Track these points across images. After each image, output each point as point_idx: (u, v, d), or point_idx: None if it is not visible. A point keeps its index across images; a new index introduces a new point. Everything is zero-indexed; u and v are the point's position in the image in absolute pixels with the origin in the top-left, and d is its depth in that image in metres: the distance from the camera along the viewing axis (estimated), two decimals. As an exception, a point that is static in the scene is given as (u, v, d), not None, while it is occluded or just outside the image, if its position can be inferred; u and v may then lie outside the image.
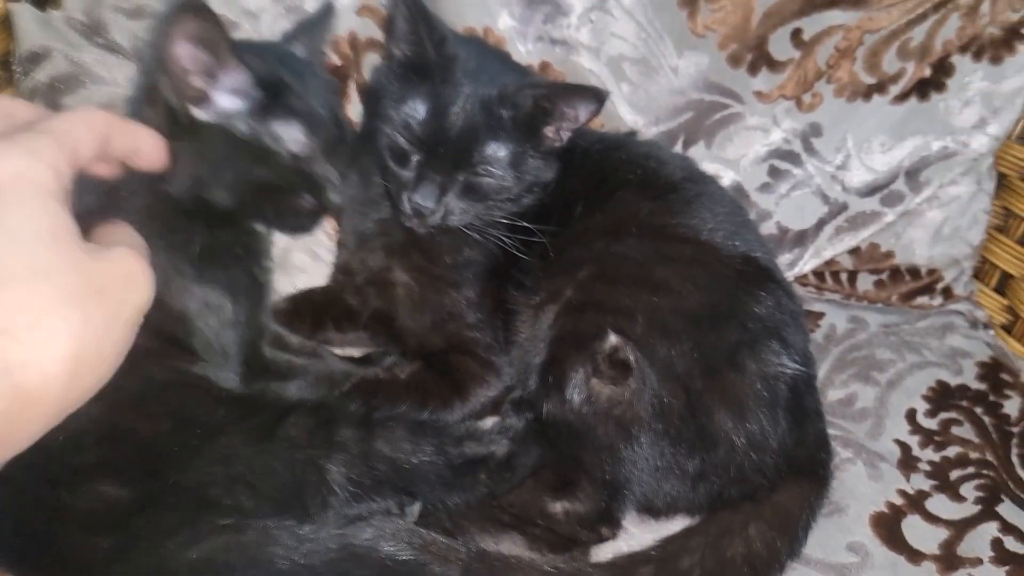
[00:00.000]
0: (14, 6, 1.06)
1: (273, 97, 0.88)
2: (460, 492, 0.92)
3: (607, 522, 0.99)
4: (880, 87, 1.29)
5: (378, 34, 1.21)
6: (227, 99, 0.86)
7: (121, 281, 0.66)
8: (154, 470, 0.81)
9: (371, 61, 1.22)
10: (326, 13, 1.06)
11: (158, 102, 0.86)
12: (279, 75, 0.89)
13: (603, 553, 0.97)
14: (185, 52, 0.82)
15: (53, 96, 1.07)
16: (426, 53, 1.02)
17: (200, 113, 0.86)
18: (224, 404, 0.87)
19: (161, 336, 0.88)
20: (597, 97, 1.04)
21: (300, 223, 0.98)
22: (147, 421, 0.83)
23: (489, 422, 1.09)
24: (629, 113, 1.30)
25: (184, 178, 0.87)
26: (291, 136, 0.89)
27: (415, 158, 1.03)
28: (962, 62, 1.29)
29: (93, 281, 0.62)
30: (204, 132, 0.86)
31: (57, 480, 0.78)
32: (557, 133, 1.07)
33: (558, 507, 0.98)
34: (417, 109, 1.02)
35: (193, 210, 0.89)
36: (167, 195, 0.88)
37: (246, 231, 0.98)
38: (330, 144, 0.92)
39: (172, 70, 0.83)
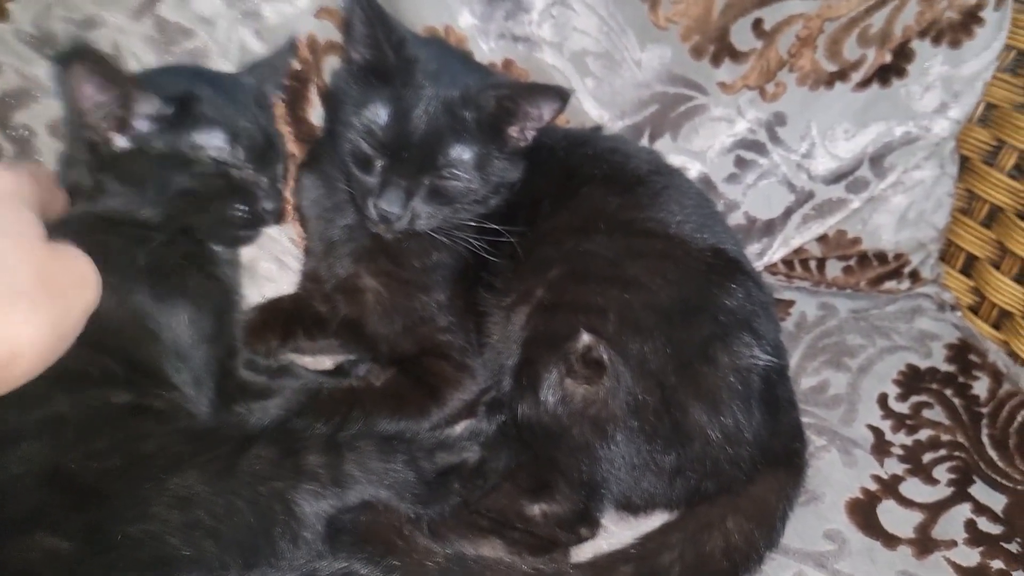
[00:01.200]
0: (-40, 20, 1.03)
1: (184, 110, 0.91)
2: (434, 504, 0.91)
3: (586, 522, 0.99)
4: (842, 74, 1.30)
5: (337, 36, 1.19)
6: (142, 123, 0.90)
7: (73, 280, 0.75)
8: (102, 519, 0.76)
9: (331, 63, 1.20)
10: (288, 49, 1.10)
11: (79, 141, 0.91)
12: (188, 89, 0.93)
13: (583, 553, 0.97)
14: (87, 93, 0.87)
15: (4, 111, 1.05)
16: (386, 56, 1.01)
17: (120, 140, 0.90)
18: (182, 436, 0.84)
19: (127, 361, 0.86)
20: (560, 96, 1.03)
21: (237, 233, 0.99)
22: (94, 460, 0.79)
23: (459, 428, 1.08)
24: (594, 108, 1.30)
25: (115, 202, 0.91)
26: (212, 143, 0.92)
27: (379, 163, 1.02)
28: (922, 47, 1.30)
29: (49, 278, 0.72)
30: (125, 157, 0.91)
31: None
32: (522, 133, 1.07)
33: (536, 509, 0.98)
34: (379, 114, 1.00)
35: (133, 230, 0.91)
36: (103, 220, 0.91)
37: (202, 251, 0.97)
38: (257, 152, 0.95)
39: (81, 112, 0.88)
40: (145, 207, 0.92)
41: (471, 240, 1.07)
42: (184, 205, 0.93)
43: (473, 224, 1.07)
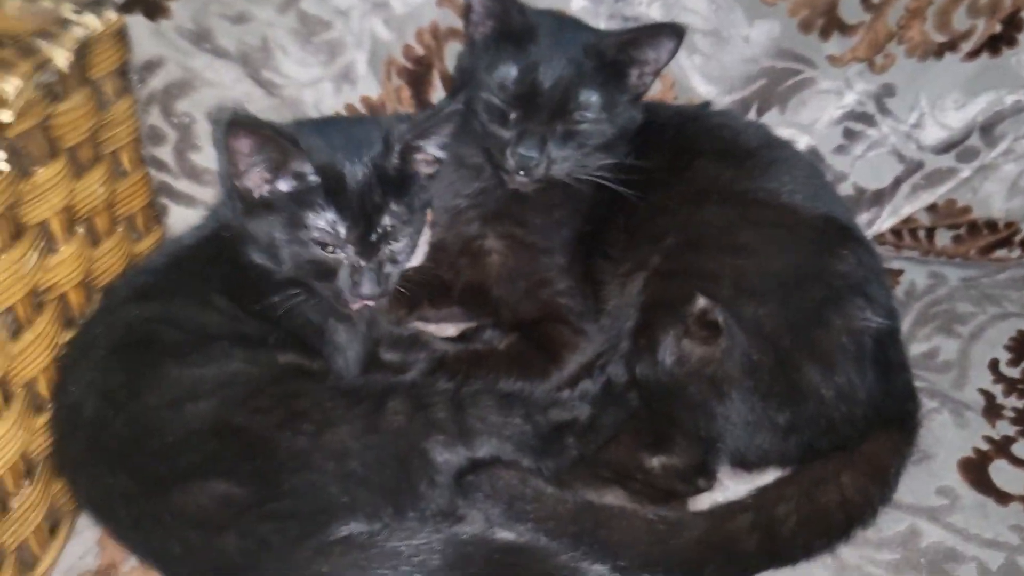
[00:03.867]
0: (128, 18, 1.14)
1: (328, 184, 0.98)
2: (550, 457, 0.98)
3: (703, 474, 1.04)
4: (951, 45, 1.30)
5: (457, 23, 1.26)
6: (286, 183, 0.98)
7: None
8: (269, 468, 0.87)
9: (453, 49, 1.28)
10: (448, 115, 1.05)
11: (232, 188, 1.00)
12: (336, 167, 0.99)
13: (701, 504, 1.03)
14: (244, 158, 0.96)
15: (168, 101, 1.16)
16: (511, 21, 1.10)
17: (262, 190, 0.99)
18: (331, 393, 0.94)
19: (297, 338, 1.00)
20: (676, 32, 1.11)
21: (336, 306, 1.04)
22: (259, 415, 0.89)
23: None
24: (702, 84, 1.34)
25: (258, 247, 1.02)
26: (318, 224, 0.98)
27: (513, 115, 1.10)
28: (1033, 15, 1.29)
29: None
30: (260, 208, 1.00)
31: (166, 480, 0.85)
32: (641, 78, 1.14)
33: (655, 462, 1.04)
34: (510, 71, 1.10)
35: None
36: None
37: None
38: (361, 238, 0.99)
39: (234, 169, 0.97)
40: (273, 259, 1.01)
41: (607, 180, 1.12)
42: (299, 272, 1.02)
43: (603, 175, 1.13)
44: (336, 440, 0.89)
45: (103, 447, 0.89)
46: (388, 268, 1.03)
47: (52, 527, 1.00)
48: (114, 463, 0.88)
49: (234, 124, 0.93)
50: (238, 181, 0.99)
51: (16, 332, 0.94)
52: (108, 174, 1.11)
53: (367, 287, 1.00)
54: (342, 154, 0.99)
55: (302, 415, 0.90)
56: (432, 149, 1.06)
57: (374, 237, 1.00)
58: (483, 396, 0.97)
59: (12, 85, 0.90)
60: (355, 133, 1.03)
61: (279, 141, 0.95)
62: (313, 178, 0.98)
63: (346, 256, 1.00)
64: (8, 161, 0.90)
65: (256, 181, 0.98)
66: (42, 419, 0.98)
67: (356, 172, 0.99)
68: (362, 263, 1.00)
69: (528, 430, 0.97)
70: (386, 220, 1.01)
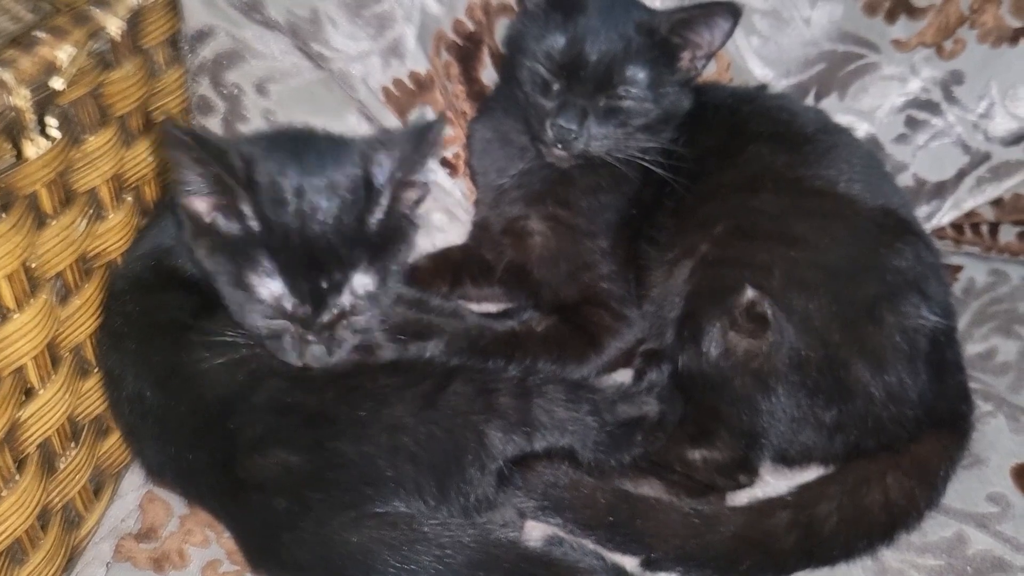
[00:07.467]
0: (180, -12, 1.14)
1: (275, 241, 0.86)
2: (616, 453, 0.96)
3: (744, 470, 1.02)
4: (1027, 31, 1.24)
5: (509, -1, 1.25)
6: (228, 223, 0.87)
7: None
8: (327, 437, 0.88)
9: (503, 25, 1.26)
10: (436, 126, 0.91)
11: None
12: (288, 219, 0.87)
13: (739, 499, 1.01)
14: (187, 173, 0.85)
15: (217, 71, 1.16)
16: None
17: (213, 217, 0.89)
18: (387, 372, 0.93)
19: None
20: (731, 11, 1.07)
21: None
22: (312, 394, 0.90)
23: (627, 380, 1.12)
24: (759, 66, 1.30)
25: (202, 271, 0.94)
26: (264, 294, 0.88)
27: (556, 86, 1.08)
28: (1119, 1, 1.22)
29: None
30: (208, 239, 0.90)
31: (233, 454, 0.88)
32: (692, 62, 1.11)
33: (697, 455, 1.02)
34: (557, 41, 1.08)
35: None
36: None
37: None
38: (310, 319, 0.89)
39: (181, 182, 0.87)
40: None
41: (645, 159, 1.10)
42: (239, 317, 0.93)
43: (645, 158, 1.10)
44: (392, 415, 0.89)
45: (174, 431, 0.93)
46: (346, 338, 0.92)
47: (96, 489, 1.03)
48: (185, 443, 0.92)
49: (166, 132, 0.82)
50: (186, 199, 0.87)
51: (64, 298, 0.96)
52: (157, 143, 1.12)
53: (312, 360, 0.91)
54: (305, 199, 0.87)
55: (357, 390, 0.91)
56: (422, 176, 0.92)
57: (327, 318, 0.89)
58: (551, 387, 0.94)
59: (65, 53, 0.90)
60: (326, 167, 0.89)
61: (214, 168, 0.83)
62: (254, 224, 0.87)
63: (291, 330, 0.90)
64: (60, 128, 0.90)
65: (203, 207, 0.88)
66: (88, 383, 0.99)
67: (318, 228, 0.87)
68: (310, 338, 0.90)
69: (595, 427, 0.94)
70: (345, 299, 0.89)
